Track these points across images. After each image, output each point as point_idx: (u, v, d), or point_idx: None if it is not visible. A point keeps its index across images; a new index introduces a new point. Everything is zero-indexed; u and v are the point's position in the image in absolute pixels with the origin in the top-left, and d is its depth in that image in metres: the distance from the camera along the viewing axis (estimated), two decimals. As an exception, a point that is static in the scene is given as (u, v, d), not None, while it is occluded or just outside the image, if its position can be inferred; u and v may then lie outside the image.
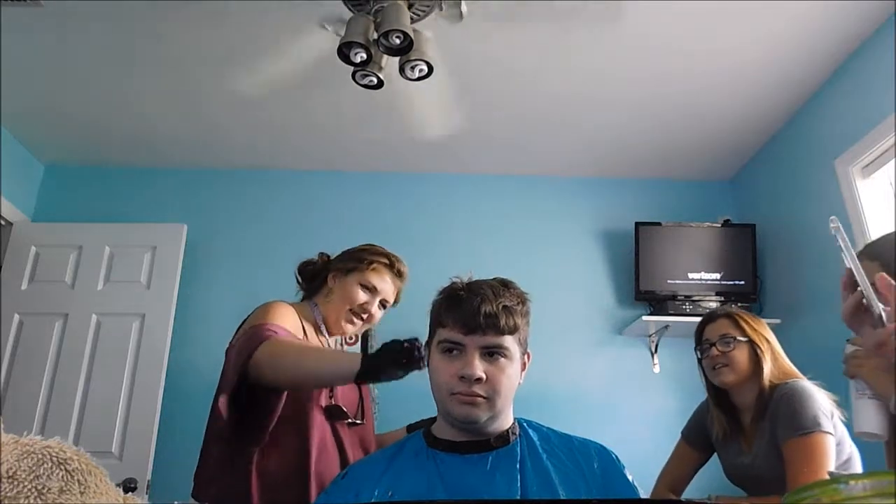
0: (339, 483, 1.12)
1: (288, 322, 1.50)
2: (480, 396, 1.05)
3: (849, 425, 1.57)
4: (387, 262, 1.64)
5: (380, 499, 1.03)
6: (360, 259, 1.63)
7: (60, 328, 2.91)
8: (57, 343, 2.88)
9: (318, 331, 1.65)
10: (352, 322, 1.63)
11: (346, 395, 1.56)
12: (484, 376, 1.05)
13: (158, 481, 2.68)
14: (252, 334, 1.39)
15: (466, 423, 1.06)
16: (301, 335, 1.55)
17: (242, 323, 1.59)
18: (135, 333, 2.90)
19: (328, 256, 1.74)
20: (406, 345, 1.20)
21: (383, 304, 1.65)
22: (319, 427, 1.46)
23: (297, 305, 1.66)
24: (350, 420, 1.54)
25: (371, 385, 1.66)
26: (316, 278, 1.71)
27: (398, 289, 1.67)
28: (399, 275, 1.66)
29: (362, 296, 1.61)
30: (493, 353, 1.07)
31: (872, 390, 1.17)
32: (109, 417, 2.75)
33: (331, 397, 1.49)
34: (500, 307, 1.08)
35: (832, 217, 0.85)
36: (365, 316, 1.62)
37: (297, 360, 1.34)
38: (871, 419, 1.16)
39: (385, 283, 1.63)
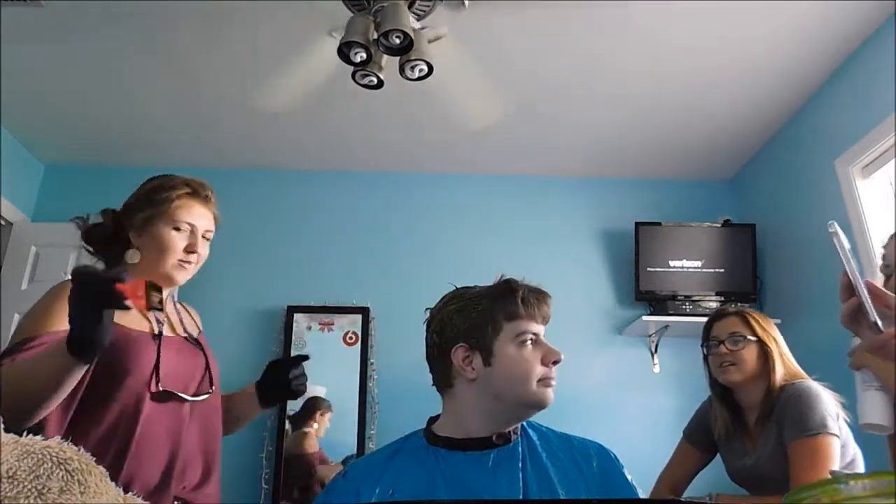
0: (340, 482, 1.13)
1: (62, 315, 1.14)
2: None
3: (853, 427, 1.57)
4: (189, 191, 1.39)
5: (381, 497, 1.03)
6: (157, 201, 1.36)
7: (60, 328, 2.91)
8: (57, 343, 2.88)
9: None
10: (182, 269, 1.39)
11: (180, 370, 1.33)
12: None
13: (158, 481, 2.68)
14: None
15: (544, 407, 1.14)
16: None
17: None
18: (135, 333, 2.90)
19: (114, 211, 1.45)
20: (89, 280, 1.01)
21: (206, 236, 1.42)
22: (148, 419, 1.24)
23: None
24: (189, 398, 1.31)
25: (371, 388, 1.54)
26: (113, 242, 1.41)
27: (215, 214, 1.44)
28: (208, 200, 1.42)
29: (181, 239, 1.37)
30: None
31: (880, 381, 1.17)
32: (109, 417, 2.75)
33: (157, 382, 1.26)
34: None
35: (830, 222, 0.86)
36: (193, 258, 1.39)
37: (18, 388, 1.05)
38: (879, 411, 1.16)
39: (198, 216, 1.39)
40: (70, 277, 1.03)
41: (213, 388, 1.40)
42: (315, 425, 2.83)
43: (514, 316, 1.15)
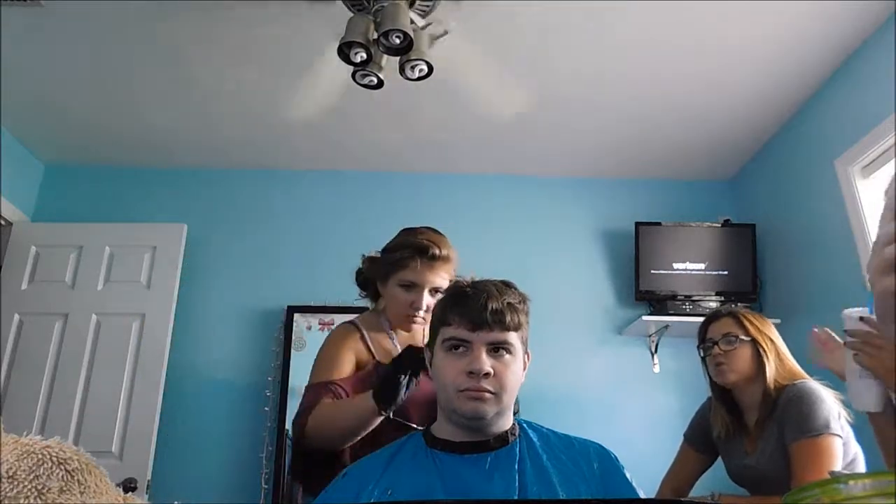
0: (339, 483, 1.13)
1: (346, 361, 1.50)
2: (488, 392, 1.06)
3: (854, 427, 1.57)
4: (413, 252, 1.51)
5: (379, 498, 1.03)
6: (389, 262, 1.54)
7: (60, 328, 2.91)
8: (57, 343, 2.88)
9: (391, 338, 1.60)
10: (412, 321, 1.54)
11: (413, 401, 1.48)
12: (492, 371, 1.06)
13: (158, 481, 2.68)
14: (301, 409, 1.42)
15: (474, 418, 1.06)
16: (366, 357, 1.55)
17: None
18: (135, 333, 2.90)
19: (371, 259, 1.64)
20: (403, 353, 1.29)
21: (435, 291, 1.52)
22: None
23: (365, 319, 1.62)
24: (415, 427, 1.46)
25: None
26: (368, 286, 1.65)
27: (444, 269, 1.54)
28: (434, 258, 1.51)
29: (406, 296, 1.51)
30: (498, 350, 1.09)
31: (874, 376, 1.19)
32: (109, 417, 2.75)
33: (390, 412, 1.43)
34: (506, 304, 1.10)
35: None
36: (421, 312, 1.52)
37: (332, 424, 1.37)
38: (871, 395, 1.19)
39: (423, 275, 1.51)
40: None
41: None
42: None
43: (444, 321, 1.12)
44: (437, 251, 1.52)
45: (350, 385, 1.46)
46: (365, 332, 1.56)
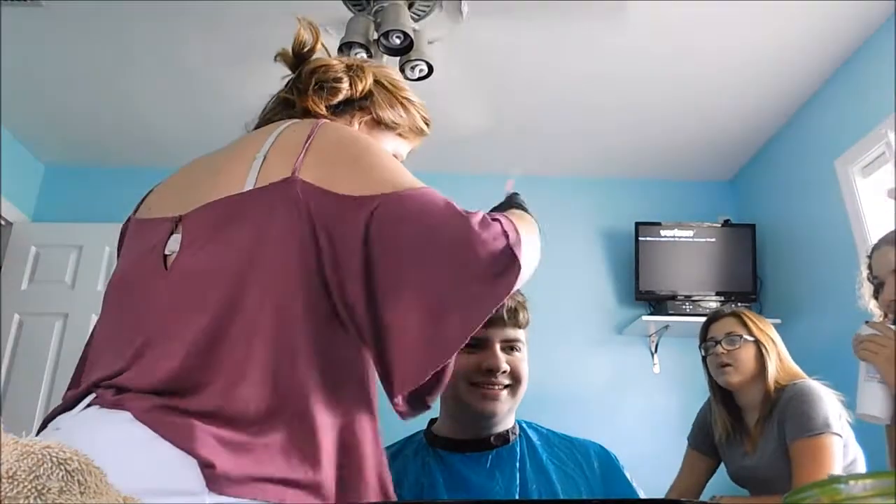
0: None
1: None
2: (504, 387, 1.08)
3: (855, 427, 1.57)
4: None
5: (380, 498, 1.04)
6: None
7: (60, 328, 2.91)
8: (57, 343, 2.88)
9: None
10: None
11: None
12: (508, 368, 1.08)
13: (158, 481, 2.68)
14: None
15: (485, 417, 1.08)
16: None
17: None
18: (135, 333, 2.90)
19: None
20: None
21: None
22: None
23: None
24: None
25: None
26: None
27: None
28: None
29: None
30: (512, 347, 1.11)
31: (881, 376, 1.20)
32: (109, 417, 2.75)
33: None
34: (518, 302, 1.13)
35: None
36: None
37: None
38: (877, 402, 1.21)
39: None
40: None
41: None
42: None
43: None
44: None
45: None
46: None
